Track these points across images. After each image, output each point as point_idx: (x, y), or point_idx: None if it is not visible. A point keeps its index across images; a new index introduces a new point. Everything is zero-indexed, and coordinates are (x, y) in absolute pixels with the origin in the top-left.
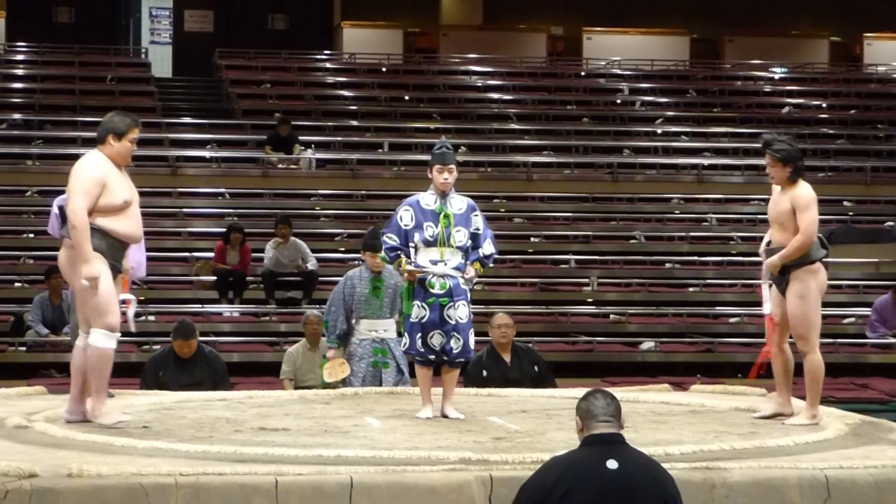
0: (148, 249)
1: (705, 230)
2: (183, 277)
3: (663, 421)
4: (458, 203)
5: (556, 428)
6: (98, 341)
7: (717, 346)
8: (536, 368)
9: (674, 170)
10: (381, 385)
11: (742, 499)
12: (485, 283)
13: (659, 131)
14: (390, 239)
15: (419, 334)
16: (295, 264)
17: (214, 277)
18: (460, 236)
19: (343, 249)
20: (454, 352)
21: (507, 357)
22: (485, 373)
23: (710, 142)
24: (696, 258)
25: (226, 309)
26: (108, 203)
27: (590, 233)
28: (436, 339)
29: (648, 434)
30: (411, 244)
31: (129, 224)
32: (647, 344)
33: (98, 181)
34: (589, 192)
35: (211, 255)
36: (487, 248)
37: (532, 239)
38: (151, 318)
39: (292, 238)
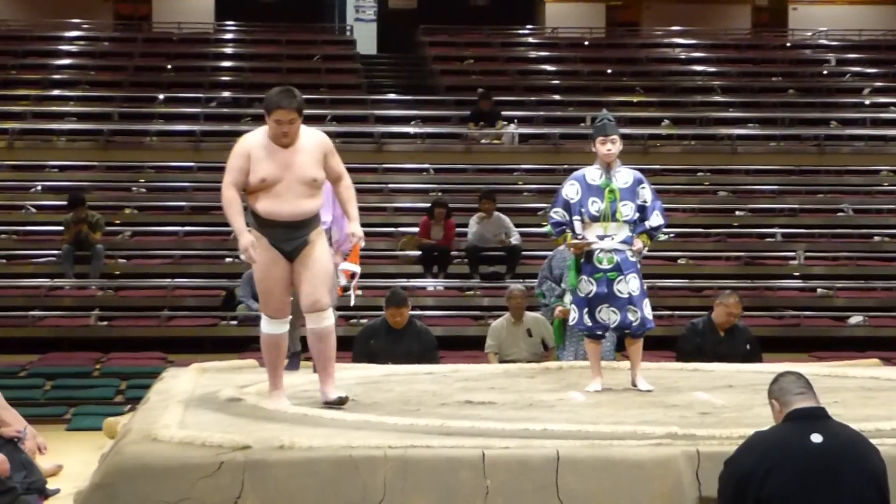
0: None
1: None
2: (388, 252)
3: (872, 396)
4: (625, 177)
5: (763, 403)
6: (262, 326)
7: None
8: (748, 346)
9: (882, 141)
10: None
11: None
12: (689, 256)
13: (867, 102)
14: (556, 214)
15: (586, 309)
16: (498, 239)
17: (419, 252)
18: (626, 210)
19: (546, 224)
20: (634, 325)
21: (721, 332)
22: (698, 340)
23: None
24: None
25: (430, 283)
26: (250, 180)
27: (796, 206)
28: (604, 314)
29: (858, 409)
30: (576, 218)
31: (268, 204)
32: (856, 318)
33: (238, 153)
34: (795, 165)
35: (416, 230)
36: (655, 219)
37: (737, 213)
38: (358, 292)
39: (496, 213)
